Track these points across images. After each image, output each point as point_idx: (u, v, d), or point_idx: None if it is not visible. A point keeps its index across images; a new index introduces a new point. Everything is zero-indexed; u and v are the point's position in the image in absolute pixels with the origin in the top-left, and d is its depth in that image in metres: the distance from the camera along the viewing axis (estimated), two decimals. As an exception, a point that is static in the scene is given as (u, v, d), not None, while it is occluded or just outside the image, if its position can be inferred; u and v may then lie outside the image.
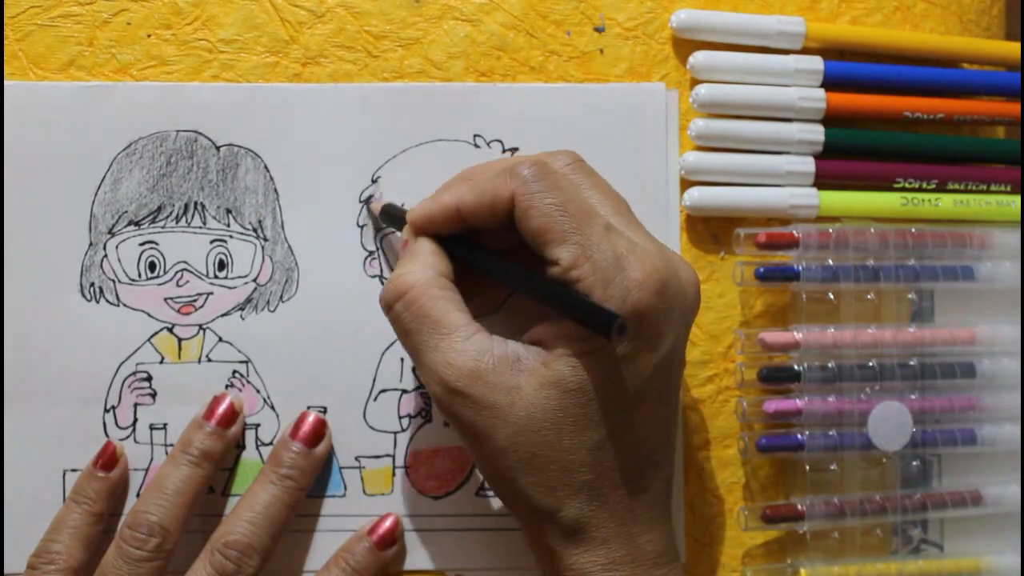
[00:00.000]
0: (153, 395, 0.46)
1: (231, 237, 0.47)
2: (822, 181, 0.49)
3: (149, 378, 0.46)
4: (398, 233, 0.45)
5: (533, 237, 0.39)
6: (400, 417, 0.47)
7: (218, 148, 0.47)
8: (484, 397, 0.39)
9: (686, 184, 0.48)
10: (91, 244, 0.46)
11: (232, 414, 0.45)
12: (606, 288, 0.38)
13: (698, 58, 0.48)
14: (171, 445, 0.46)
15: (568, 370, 0.38)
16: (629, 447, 0.39)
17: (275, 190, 0.47)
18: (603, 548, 0.39)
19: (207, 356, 0.47)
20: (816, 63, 0.49)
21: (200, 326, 0.47)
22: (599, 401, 0.39)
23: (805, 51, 0.49)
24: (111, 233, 0.47)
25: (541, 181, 0.39)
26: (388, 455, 0.47)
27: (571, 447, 0.39)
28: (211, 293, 0.47)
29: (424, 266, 0.41)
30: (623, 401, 0.39)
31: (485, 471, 0.41)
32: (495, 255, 0.42)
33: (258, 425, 0.47)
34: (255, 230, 0.47)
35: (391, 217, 0.45)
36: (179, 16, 0.47)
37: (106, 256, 0.46)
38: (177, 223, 0.47)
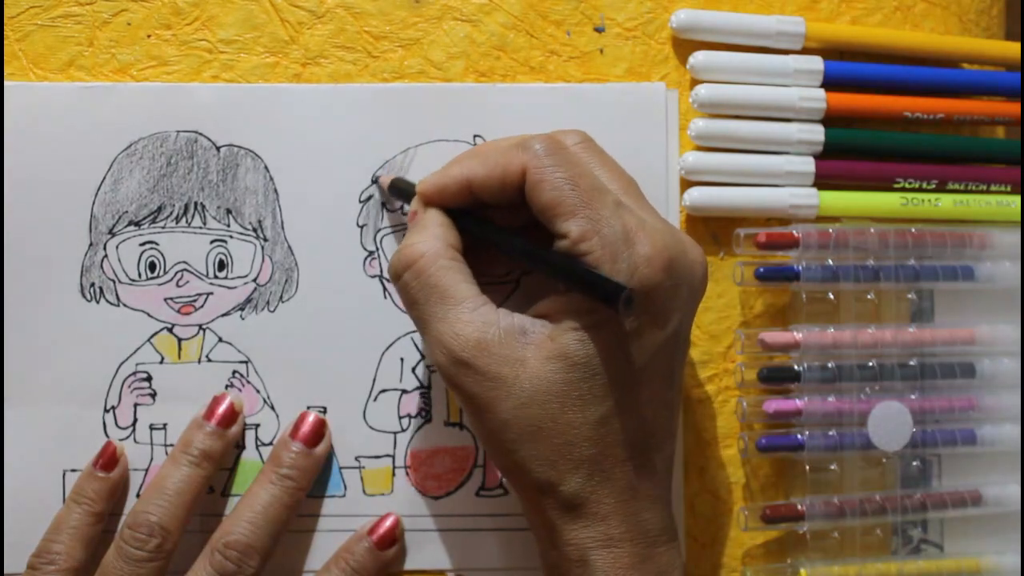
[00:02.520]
0: (153, 395, 0.46)
1: (231, 237, 0.47)
2: (822, 181, 0.49)
3: (149, 378, 0.46)
4: (406, 207, 0.45)
5: (543, 210, 0.39)
6: (400, 417, 0.47)
7: (218, 148, 0.47)
8: (489, 369, 0.39)
9: (686, 184, 0.48)
10: (91, 244, 0.46)
11: (232, 414, 0.45)
12: (614, 263, 0.38)
13: (698, 58, 0.48)
14: (171, 445, 0.46)
15: (574, 343, 0.38)
16: (632, 424, 0.39)
17: (275, 190, 0.47)
18: (602, 524, 0.39)
19: (207, 356, 0.47)
20: (816, 63, 0.49)
21: (200, 326, 0.47)
22: (604, 376, 0.39)
23: (805, 51, 0.49)
24: (111, 233, 0.47)
25: (553, 155, 0.40)
26: (388, 455, 0.47)
27: (574, 421, 0.39)
28: (211, 293, 0.47)
29: (433, 237, 0.41)
30: (628, 377, 0.39)
31: (487, 444, 0.41)
32: (503, 229, 0.42)
33: (258, 425, 0.47)
34: (255, 230, 0.47)
35: (399, 190, 0.45)
36: (179, 16, 0.47)
37: (106, 256, 0.46)
38: (177, 223, 0.47)
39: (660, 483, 0.41)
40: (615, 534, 0.39)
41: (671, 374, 0.41)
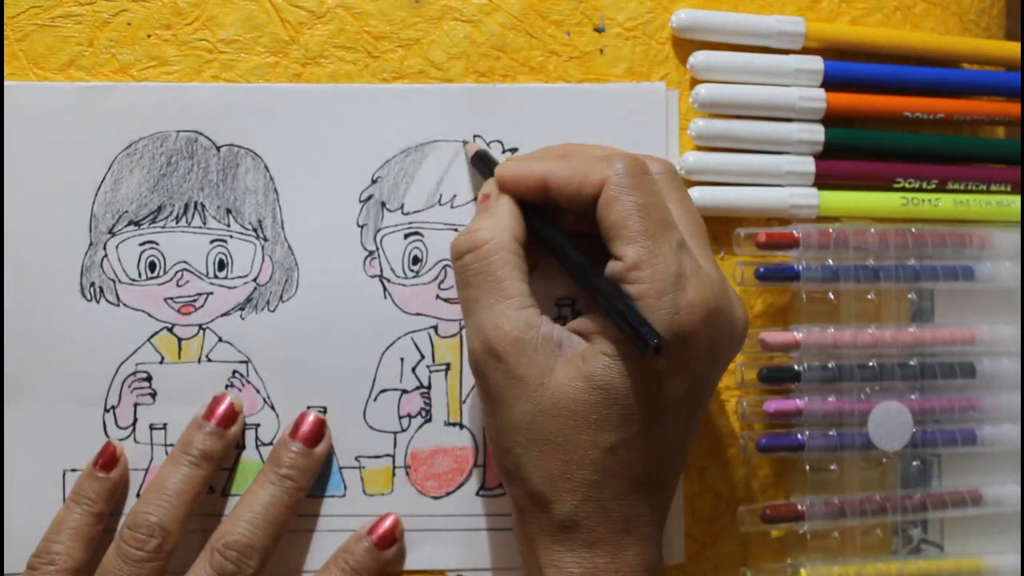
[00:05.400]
0: (153, 395, 0.46)
1: (231, 237, 0.47)
2: (822, 181, 0.49)
3: (149, 378, 0.46)
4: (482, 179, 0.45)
5: (607, 229, 0.40)
6: (400, 417, 0.47)
7: (218, 148, 0.47)
8: (518, 368, 0.39)
9: (686, 184, 0.48)
10: (91, 244, 0.46)
11: (232, 414, 0.45)
12: (658, 299, 0.38)
13: (698, 58, 0.48)
14: (171, 445, 0.46)
15: (601, 368, 0.38)
16: (640, 459, 0.39)
17: (275, 190, 0.47)
18: (588, 552, 0.39)
19: (207, 356, 0.47)
20: (816, 63, 0.49)
21: (200, 326, 0.47)
22: (623, 407, 0.39)
23: (805, 51, 0.49)
24: (111, 233, 0.47)
25: (633, 178, 0.40)
26: (388, 455, 0.47)
27: (583, 443, 0.39)
28: (211, 293, 0.47)
29: (502, 226, 0.41)
30: (647, 414, 0.39)
31: (495, 442, 0.41)
32: (565, 236, 0.42)
33: (258, 425, 0.47)
34: (255, 230, 0.47)
35: (481, 163, 0.46)
36: (179, 16, 0.47)
37: (106, 256, 0.46)
38: (177, 223, 0.47)
39: (655, 521, 0.41)
40: (600, 563, 0.39)
41: (690, 419, 0.41)
